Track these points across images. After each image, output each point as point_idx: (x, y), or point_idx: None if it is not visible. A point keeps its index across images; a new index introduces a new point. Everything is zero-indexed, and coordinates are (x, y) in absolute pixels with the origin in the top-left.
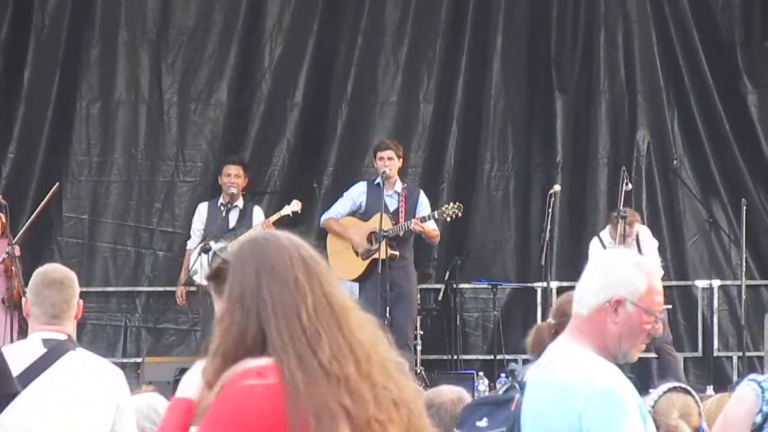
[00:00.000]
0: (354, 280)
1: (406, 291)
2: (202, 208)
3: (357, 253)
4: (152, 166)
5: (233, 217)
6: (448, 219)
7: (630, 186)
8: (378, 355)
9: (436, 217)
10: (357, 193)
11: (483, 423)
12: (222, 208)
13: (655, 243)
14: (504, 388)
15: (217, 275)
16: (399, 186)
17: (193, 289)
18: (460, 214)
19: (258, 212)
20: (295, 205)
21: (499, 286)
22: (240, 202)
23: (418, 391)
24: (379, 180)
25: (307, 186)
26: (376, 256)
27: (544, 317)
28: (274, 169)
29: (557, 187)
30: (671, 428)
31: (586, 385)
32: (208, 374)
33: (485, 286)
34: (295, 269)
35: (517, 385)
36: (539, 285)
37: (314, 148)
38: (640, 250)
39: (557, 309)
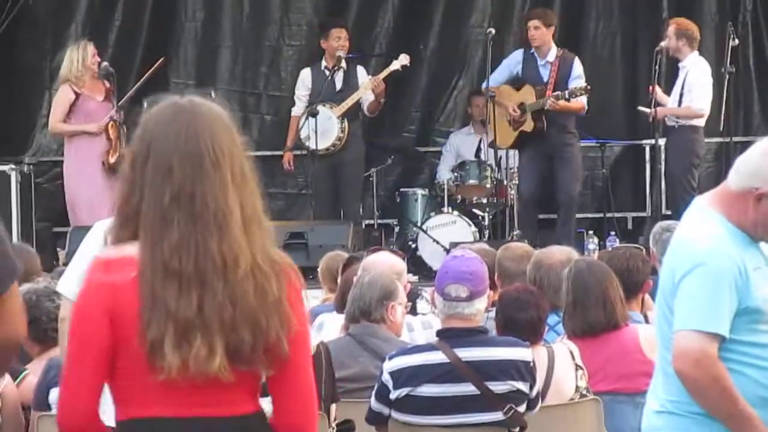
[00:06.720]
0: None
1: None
2: (306, 74)
3: (509, 123)
4: (258, 30)
5: (339, 79)
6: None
7: (736, 41)
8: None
9: (567, 97)
10: (513, 63)
11: None
12: (327, 71)
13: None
14: None
15: None
16: (552, 55)
17: (304, 152)
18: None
19: (362, 72)
20: (404, 59)
21: (607, 145)
22: (343, 63)
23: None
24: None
25: (413, 47)
26: (524, 128)
27: (652, 175)
28: (378, 31)
29: (663, 44)
30: None
31: (687, 243)
32: (108, 235)
33: (593, 144)
34: (173, 157)
35: None
36: (647, 143)
37: (419, 9)
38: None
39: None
